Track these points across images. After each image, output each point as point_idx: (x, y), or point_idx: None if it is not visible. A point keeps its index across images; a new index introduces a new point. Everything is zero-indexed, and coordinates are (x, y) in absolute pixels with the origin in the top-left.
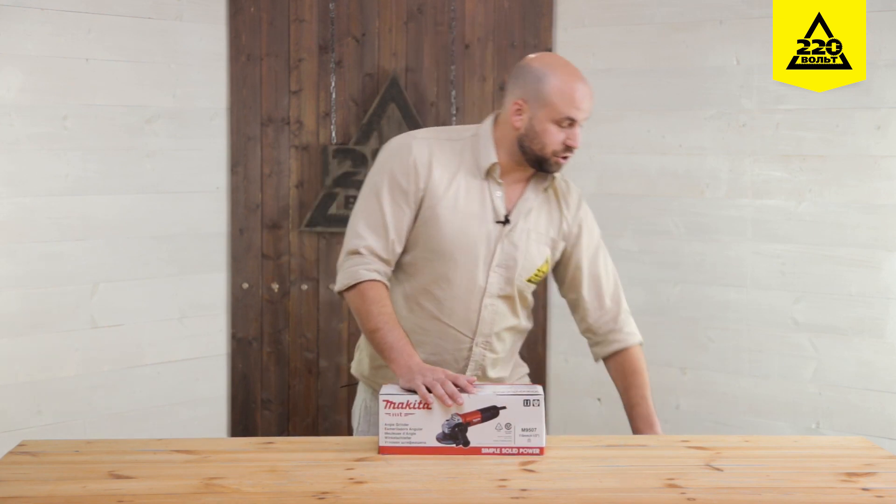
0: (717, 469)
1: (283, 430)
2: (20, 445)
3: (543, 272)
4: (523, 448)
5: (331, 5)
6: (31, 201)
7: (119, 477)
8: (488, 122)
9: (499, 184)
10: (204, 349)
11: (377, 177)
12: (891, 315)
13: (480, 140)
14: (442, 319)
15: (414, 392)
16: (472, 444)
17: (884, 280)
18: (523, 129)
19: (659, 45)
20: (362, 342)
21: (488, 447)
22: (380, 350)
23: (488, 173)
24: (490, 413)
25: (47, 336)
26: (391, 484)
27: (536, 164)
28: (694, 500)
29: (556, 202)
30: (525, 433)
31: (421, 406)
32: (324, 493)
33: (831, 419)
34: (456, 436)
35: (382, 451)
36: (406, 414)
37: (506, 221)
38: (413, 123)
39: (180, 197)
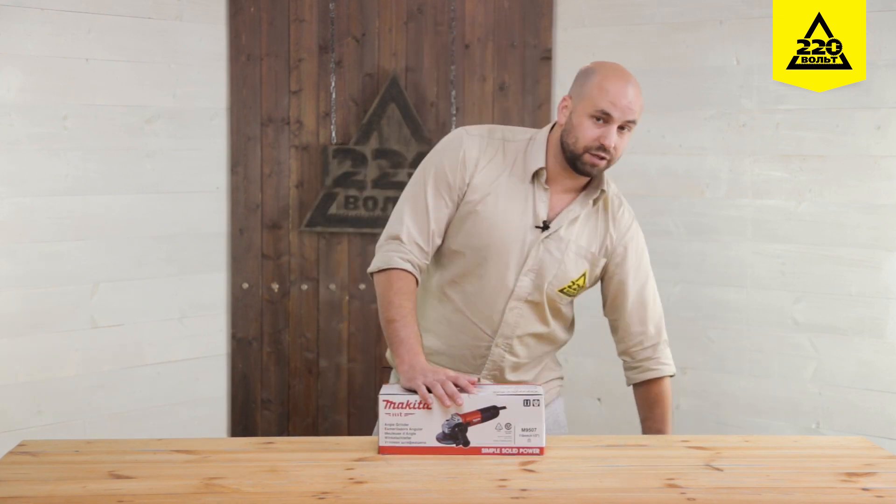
0: (717, 469)
1: (283, 430)
2: (20, 445)
3: (580, 286)
4: (523, 448)
5: (331, 5)
6: (31, 201)
7: (119, 477)
8: (546, 127)
9: (545, 189)
10: (204, 349)
11: (428, 167)
12: (891, 315)
13: (534, 144)
14: (466, 314)
15: (415, 392)
16: (472, 444)
17: (884, 280)
18: (565, 123)
19: (659, 45)
20: None
21: (488, 447)
22: (390, 342)
23: (535, 177)
24: (490, 413)
25: (47, 336)
26: (391, 484)
27: (572, 162)
28: (694, 500)
29: (604, 218)
30: (525, 433)
31: (421, 406)
32: (324, 493)
33: (831, 419)
34: (456, 436)
35: (382, 451)
36: (406, 414)
37: (545, 227)
38: (413, 124)
39: (180, 197)
